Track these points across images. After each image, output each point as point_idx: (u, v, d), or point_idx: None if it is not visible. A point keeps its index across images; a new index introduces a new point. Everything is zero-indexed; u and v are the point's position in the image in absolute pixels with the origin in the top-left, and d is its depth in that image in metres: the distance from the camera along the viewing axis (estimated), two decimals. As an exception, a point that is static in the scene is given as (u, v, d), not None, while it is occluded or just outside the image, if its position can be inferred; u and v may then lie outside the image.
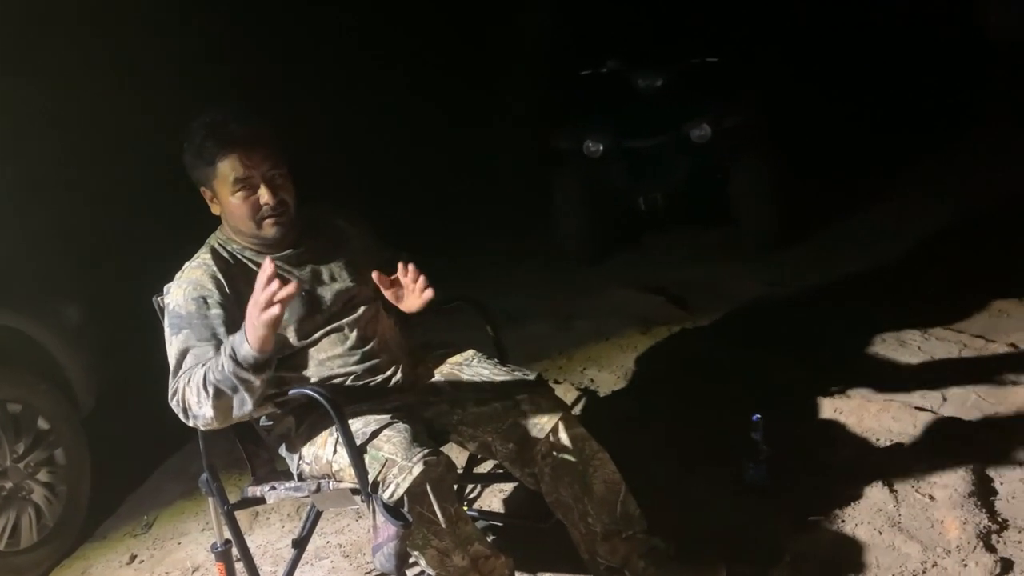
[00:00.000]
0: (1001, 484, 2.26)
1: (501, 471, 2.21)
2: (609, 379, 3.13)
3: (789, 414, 2.67)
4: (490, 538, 2.15)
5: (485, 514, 2.41)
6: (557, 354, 3.37)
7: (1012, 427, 2.51)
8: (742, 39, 4.27)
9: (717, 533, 2.18)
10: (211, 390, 1.65)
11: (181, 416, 1.73)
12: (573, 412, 2.86)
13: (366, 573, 2.27)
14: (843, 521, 2.20)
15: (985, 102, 4.73)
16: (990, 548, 2.04)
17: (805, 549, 2.12)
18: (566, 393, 3.00)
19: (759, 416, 2.36)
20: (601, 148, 4.09)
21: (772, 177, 4.00)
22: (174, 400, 1.72)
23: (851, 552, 2.10)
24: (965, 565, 2.00)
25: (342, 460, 1.76)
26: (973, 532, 2.08)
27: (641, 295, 3.76)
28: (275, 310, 1.53)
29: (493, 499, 2.51)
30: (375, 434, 1.74)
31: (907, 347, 3.02)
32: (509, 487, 2.50)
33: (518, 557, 1.97)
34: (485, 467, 2.57)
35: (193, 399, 1.68)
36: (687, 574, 1.93)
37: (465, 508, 2.11)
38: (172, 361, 1.75)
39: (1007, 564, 1.99)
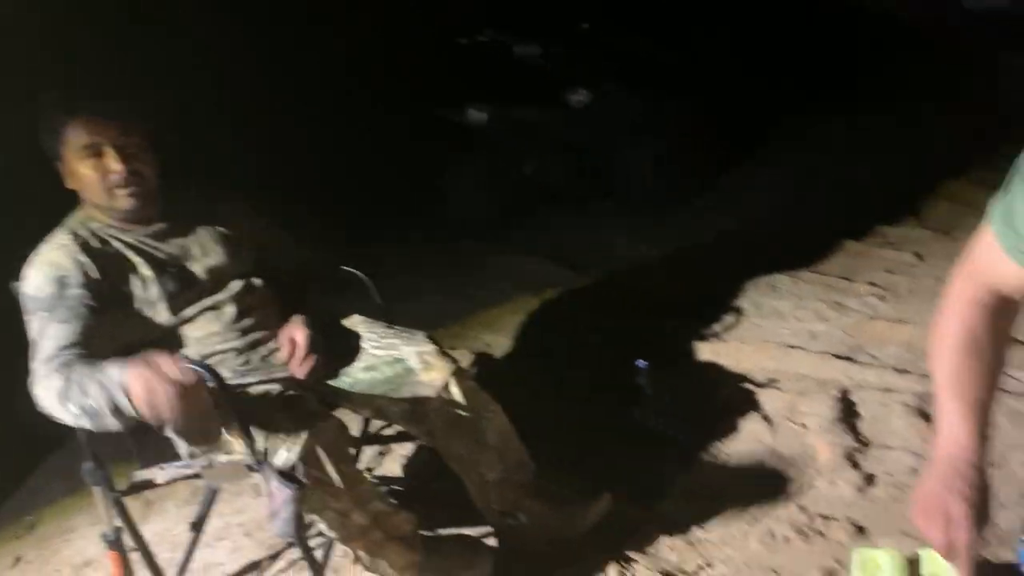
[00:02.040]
0: (863, 409, 2.46)
1: (397, 433, 2.24)
2: (504, 343, 3.19)
3: (674, 360, 2.81)
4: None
5: (385, 479, 2.44)
6: (452, 322, 3.41)
7: (872, 357, 2.73)
8: (620, 5, 4.37)
9: (607, 473, 2.28)
10: (80, 406, 1.51)
11: (39, 403, 1.61)
12: (474, 378, 2.95)
13: (269, 548, 2.25)
14: (726, 455, 2.35)
15: (861, 73, 5.00)
16: (856, 466, 2.23)
17: (691, 484, 2.25)
18: (461, 357, 3.04)
19: (644, 362, 2.47)
20: (485, 117, 4.13)
21: (655, 142, 4.14)
22: (35, 388, 1.61)
23: (733, 483, 2.24)
24: (835, 483, 2.17)
25: (232, 432, 1.74)
26: (841, 453, 2.26)
27: (533, 261, 3.83)
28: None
29: (392, 463, 2.53)
30: (262, 403, 1.73)
31: (778, 291, 3.22)
32: (407, 449, 2.52)
33: (420, 515, 2.01)
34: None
35: (55, 400, 1.56)
36: (575, 508, 2.01)
37: (365, 474, 2.13)
38: (32, 345, 1.67)
39: (870, 478, 2.18)
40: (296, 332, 1.87)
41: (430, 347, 1.98)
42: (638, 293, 3.35)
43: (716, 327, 3.05)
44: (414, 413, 1.94)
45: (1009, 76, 4.97)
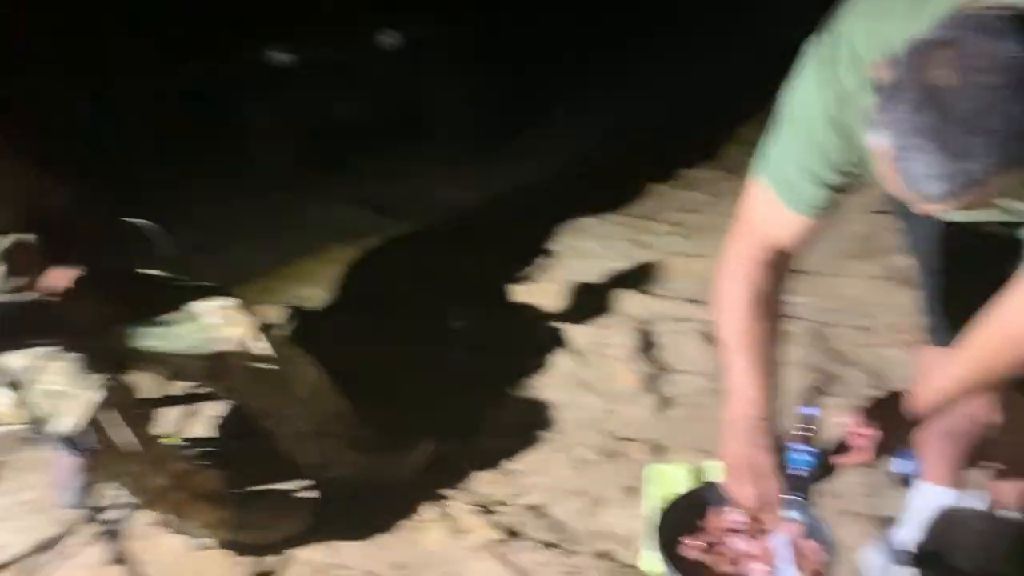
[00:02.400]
0: (662, 338, 2.64)
1: (205, 392, 2.14)
2: (318, 294, 3.11)
3: (488, 302, 2.87)
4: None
5: (195, 440, 2.32)
6: (261, 276, 3.27)
7: (671, 290, 2.92)
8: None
9: (423, 418, 2.31)
10: None
11: None
12: (282, 330, 2.85)
13: (62, 524, 2.09)
14: (536, 388, 2.44)
15: (658, 19, 5.13)
16: (655, 390, 2.40)
17: (505, 417, 2.32)
18: (272, 313, 2.94)
19: (455, 304, 2.50)
20: (289, 59, 3.94)
21: (468, 83, 4.11)
22: None
23: (544, 412, 2.34)
24: (635, 407, 2.33)
25: (5, 400, 1.58)
26: (641, 379, 2.41)
27: (347, 209, 3.73)
28: None
29: (201, 424, 2.42)
30: (41, 367, 1.58)
31: (586, 232, 3.35)
32: (218, 409, 2.41)
33: (233, 473, 1.95)
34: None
35: None
36: (397, 457, 2.03)
37: (170, 438, 2.02)
38: None
39: (667, 400, 2.36)
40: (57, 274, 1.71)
41: (230, 302, 1.89)
42: (452, 238, 3.37)
43: (529, 269, 3.13)
44: (214, 370, 1.85)
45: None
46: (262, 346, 1.87)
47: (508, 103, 4.27)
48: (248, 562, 1.88)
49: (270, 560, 1.88)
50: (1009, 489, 1.55)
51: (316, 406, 1.95)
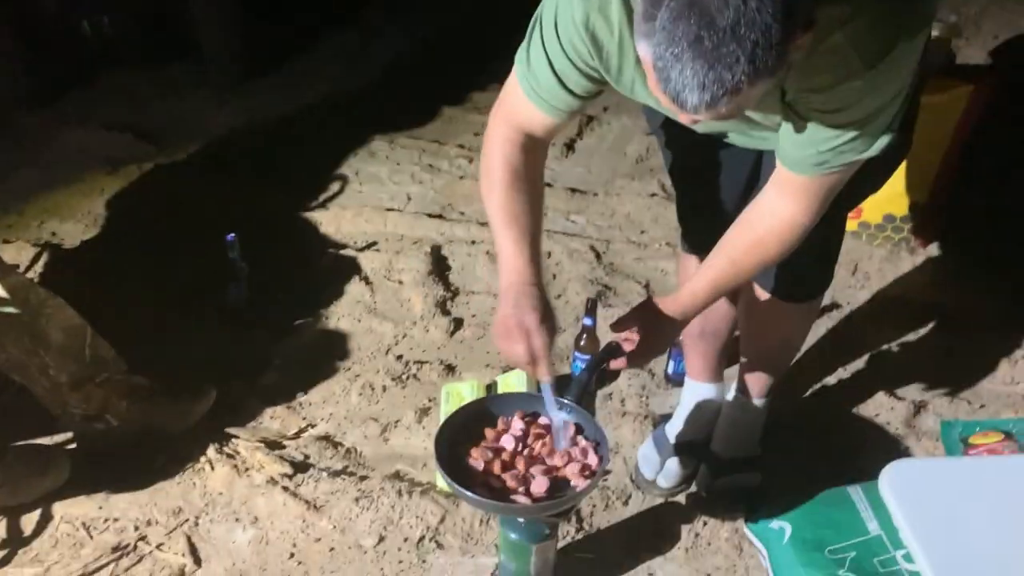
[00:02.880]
0: (453, 261, 2.64)
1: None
2: (76, 229, 2.79)
3: (265, 233, 2.72)
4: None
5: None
6: (6, 211, 2.88)
7: (461, 214, 2.92)
8: None
9: (204, 360, 2.16)
10: None
11: None
12: (32, 271, 2.54)
13: None
14: (327, 318, 2.37)
15: None
16: (446, 312, 2.40)
17: (291, 352, 2.23)
18: (20, 252, 2.61)
19: (233, 235, 2.34)
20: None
21: (235, 4, 3.78)
22: None
23: (334, 342, 2.28)
24: (427, 330, 2.32)
25: None
26: (433, 302, 2.41)
27: (104, 134, 3.34)
28: None
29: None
30: None
31: (376, 157, 3.25)
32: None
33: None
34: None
35: None
36: (177, 405, 1.90)
37: None
38: None
39: (458, 322, 2.37)
40: None
41: None
42: (225, 166, 3.14)
43: (318, 195, 3.00)
44: None
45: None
46: (2, 290, 1.64)
47: (284, 22, 4.00)
48: (3, 525, 1.69)
49: (27, 519, 1.70)
50: (754, 379, 1.72)
51: (74, 353, 1.76)
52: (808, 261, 1.40)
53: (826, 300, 1.75)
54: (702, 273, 1.33)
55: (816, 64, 1.05)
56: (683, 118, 1.03)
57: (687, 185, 1.65)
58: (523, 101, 1.29)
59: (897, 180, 2.46)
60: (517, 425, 1.41)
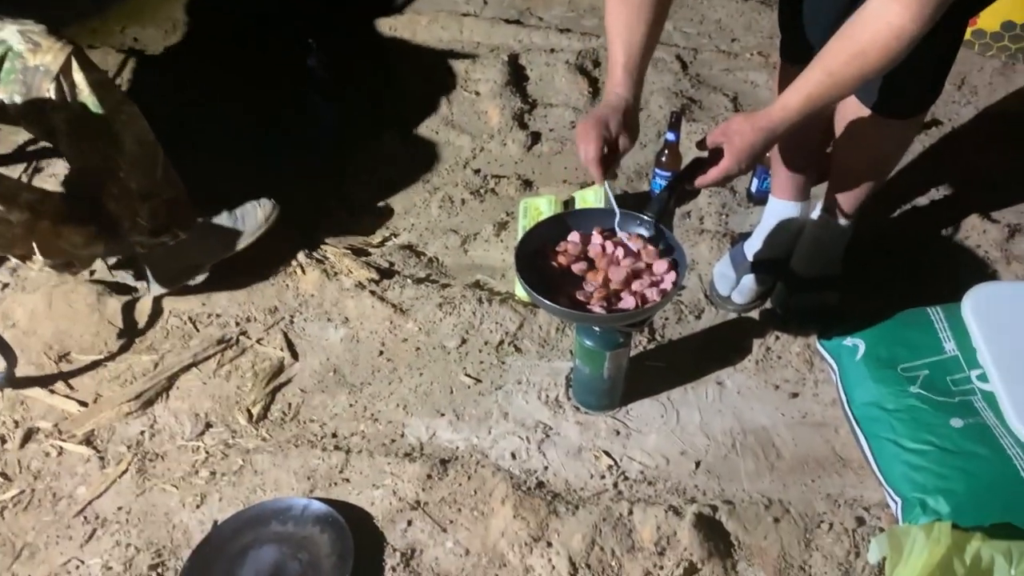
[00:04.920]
0: (531, 71, 2.56)
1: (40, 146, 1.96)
2: (157, 35, 2.80)
3: (351, 36, 2.67)
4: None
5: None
6: (87, 16, 2.89)
7: (539, 19, 2.79)
8: None
9: (290, 163, 2.22)
10: None
11: None
12: (119, 79, 2.58)
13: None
14: (406, 128, 2.37)
15: None
16: (523, 126, 2.37)
17: (373, 163, 2.26)
18: (105, 57, 2.64)
19: (312, 41, 2.31)
20: None
21: None
22: None
23: (413, 154, 2.29)
24: (505, 144, 2.31)
25: None
26: (510, 115, 2.37)
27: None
28: None
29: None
30: None
31: (451, -43, 3.09)
32: (59, 168, 2.23)
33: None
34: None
35: None
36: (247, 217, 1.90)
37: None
38: None
39: (536, 136, 2.34)
40: None
41: (37, 27, 1.64)
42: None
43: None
44: (30, 108, 1.64)
45: None
46: (83, 82, 1.64)
47: None
48: (119, 317, 1.85)
49: (140, 311, 1.86)
50: (843, 198, 1.67)
51: (145, 167, 1.75)
52: (915, 74, 1.31)
53: (928, 115, 1.64)
54: (796, 86, 1.26)
55: None
56: None
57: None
58: None
59: (1024, -18, 2.22)
60: (596, 240, 1.43)
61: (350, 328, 1.82)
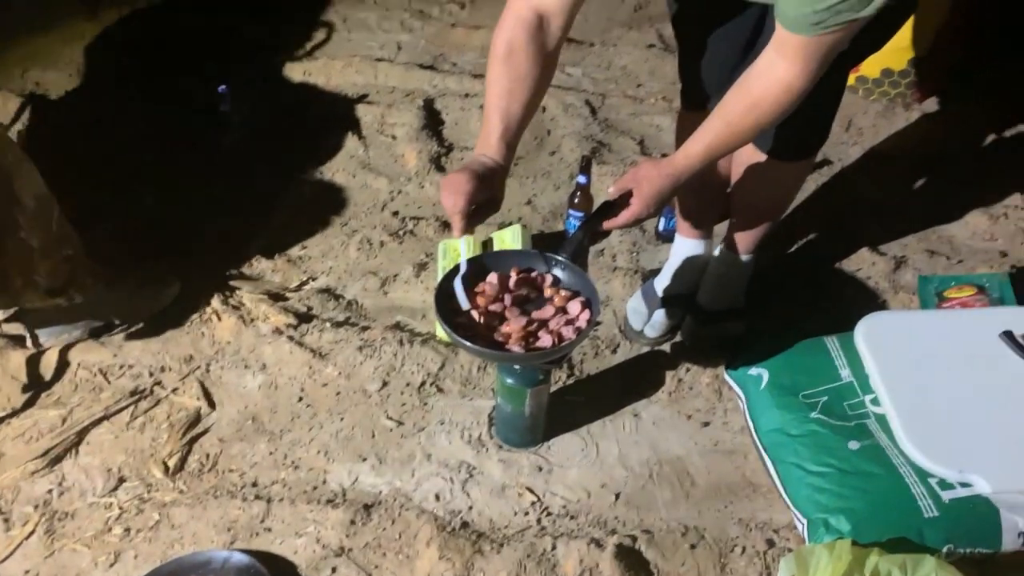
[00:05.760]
0: (446, 115, 2.62)
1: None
2: (60, 79, 2.73)
3: (259, 80, 2.68)
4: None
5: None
6: (-16, 57, 2.80)
7: (453, 64, 2.86)
8: None
9: (202, 204, 2.20)
10: None
11: None
12: (17, 124, 2.51)
13: None
14: (322, 173, 2.38)
15: None
16: (440, 168, 2.41)
17: (289, 207, 2.26)
18: (6, 103, 2.56)
19: (225, 87, 2.31)
20: None
21: None
22: None
23: (330, 197, 2.30)
24: (422, 186, 2.34)
25: None
26: (427, 158, 2.41)
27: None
28: None
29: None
30: None
31: (364, 2, 3.14)
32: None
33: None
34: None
35: None
36: (141, 292, 1.88)
37: None
38: None
39: (453, 177, 2.39)
40: None
41: None
42: (210, 8, 3.03)
43: (305, 43, 2.92)
44: None
45: None
46: None
47: None
48: (23, 371, 1.78)
49: (45, 365, 1.79)
50: (743, 236, 1.78)
51: (43, 224, 1.68)
52: (805, 121, 1.41)
53: (818, 156, 1.77)
54: (698, 135, 1.34)
55: None
56: None
57: (691, 38, 1.62)
58: None
59: (898, 34, 2.41)
60: (512, 280, 1.47)
61: (268, 375, 1.80)
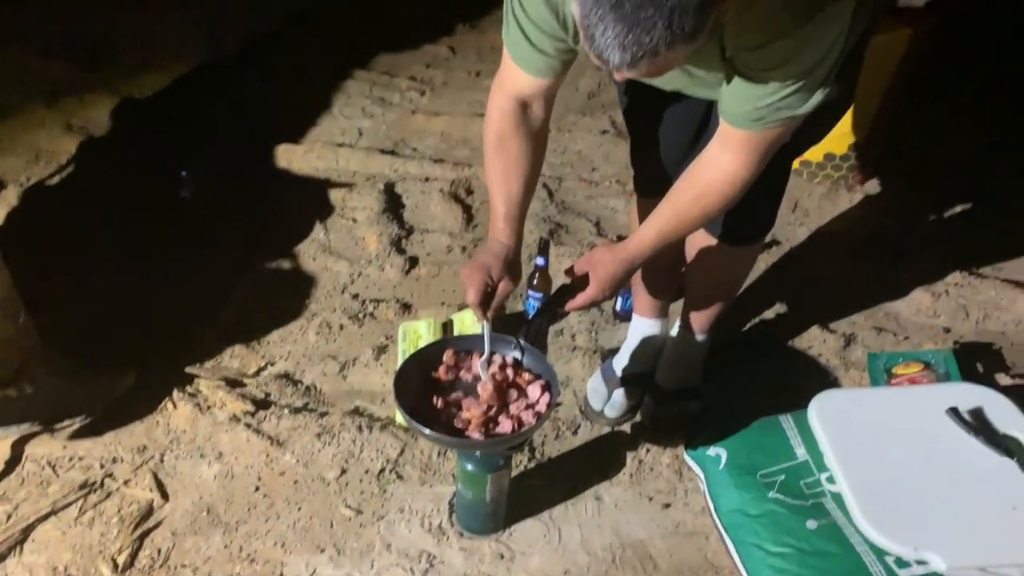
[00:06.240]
0: (406, 198, 2.66)
1: None
2: (18, 165, 2.73)
3: (220, 164, 2.70)
4: None
5: None
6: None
7: (413, 150, 2.92)
8: None
9: (160, 299, 2.19)
10: None
11: None
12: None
13: None
14: (283, 255, 2.39)
15: None
16: (401, 251, 2.44)
17: (247, 291, 2.25)
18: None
19: (186, 172, 2.33)
20: None
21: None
22: None
23: (290, 281, 2.31)
24: (383, 269, 2.36)
25: None
26: (388, 241, 2.44)
27: (39, 61, 3.24)
28: None
29: None
30: None
31: (325, 89, 3.21)
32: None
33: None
34: None
35: None
36: (94, 384, 1.85)
37: None
38: None
39: (413, 260, 2.41)
40: None
41: None
42: (175, 102, 3.08)
43: (268, 129, 2.97)
44: None
45: None
46: None
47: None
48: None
49: (-7, 461, 1.74)
50: (697, 316, 1.82)
51: (6, 311, 1.66)
52: (752, 209, 1.47)
53: (767, 237, 1.84)
54: (649, 223, 1.39)
55: (749, 23, 1.10)
56: (616, 75, 1.08)
57: (641, 129, 1.70)
58: (512, 66, 1.37)
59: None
60: (474, 364, 1.48)
61: (224, 464, 1.76)
